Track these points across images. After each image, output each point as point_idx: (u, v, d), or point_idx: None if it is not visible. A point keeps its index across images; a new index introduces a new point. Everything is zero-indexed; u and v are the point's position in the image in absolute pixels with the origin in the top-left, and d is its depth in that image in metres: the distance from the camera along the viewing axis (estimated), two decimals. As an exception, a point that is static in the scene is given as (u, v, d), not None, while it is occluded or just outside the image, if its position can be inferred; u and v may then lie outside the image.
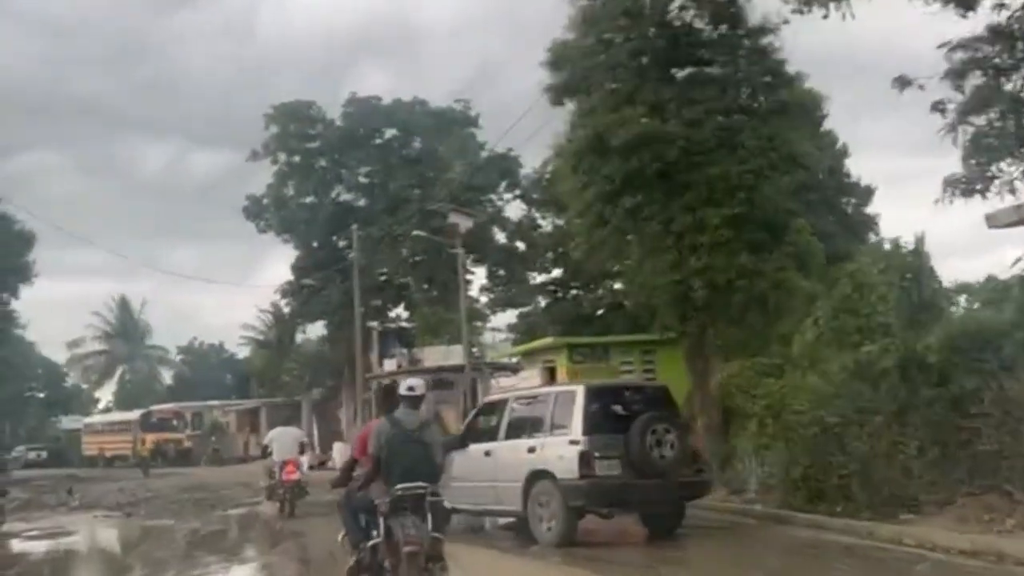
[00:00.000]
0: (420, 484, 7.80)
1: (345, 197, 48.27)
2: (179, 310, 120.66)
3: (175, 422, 55.30)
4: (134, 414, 55.81)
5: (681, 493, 12.72)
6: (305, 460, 19.84)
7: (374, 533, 7.99)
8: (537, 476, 12.51)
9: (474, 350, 39.82)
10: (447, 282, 45.30)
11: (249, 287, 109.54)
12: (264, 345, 65.44)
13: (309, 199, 48.02)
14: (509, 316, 47.69)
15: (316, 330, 51.02)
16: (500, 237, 48.05)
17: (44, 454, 65.21)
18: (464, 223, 29.86)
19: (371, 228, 44.52)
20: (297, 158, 48.04)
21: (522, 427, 13.47)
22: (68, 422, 70.50)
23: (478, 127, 47.73)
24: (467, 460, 13.75)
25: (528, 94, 25.80)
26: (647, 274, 17.63)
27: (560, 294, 47.85)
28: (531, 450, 12.85)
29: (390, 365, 38.78)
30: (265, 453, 20.04)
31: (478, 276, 48.71)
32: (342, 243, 47.10)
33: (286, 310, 49.67)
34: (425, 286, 45.44)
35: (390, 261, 45.21)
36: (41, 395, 55.19)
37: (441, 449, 8.55)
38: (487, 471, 13.49)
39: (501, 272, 49.83)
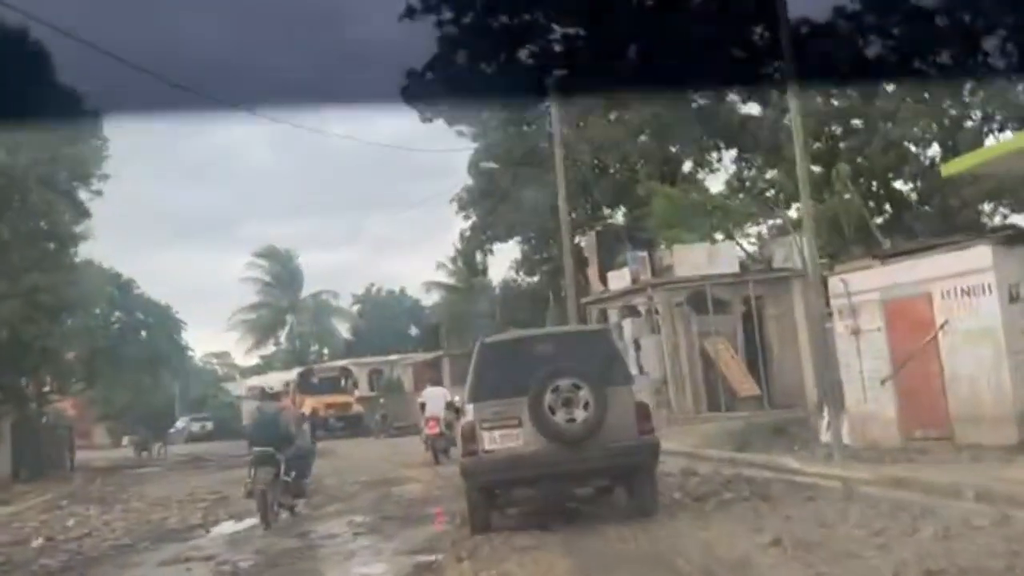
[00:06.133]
0: (267, 448, 12.66)
1: (536, 60, 34.77)
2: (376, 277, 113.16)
3: (343, 382, 44.04)
4: (291, 374, 45.14)
5: (607, 463, 10.01)
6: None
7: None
8: None
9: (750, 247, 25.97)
10: (692, 160, 31.70)
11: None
12: (452, 289, 54.30)
13: (488, 67, 34.97)
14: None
15: (508, 252, 38.39)
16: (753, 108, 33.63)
17: (209, 425, 56.82)
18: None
19: (574, 97, 31.09)
20: (469, 16, 35.07)
21: None
22: (237, 388, 61.67)
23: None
24: None
25: None
26: None
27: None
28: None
29: (619, 280, 25.28)
30: (423, 410, 21.53)
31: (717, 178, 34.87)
32: (533, 127, 34.15)
33: (467, 225, 36.96)
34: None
35: (604, 141, 31.58)
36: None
37: (293, 424, 13.70)
38: None
39: (755, 161, 35.78)
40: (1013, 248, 13.41)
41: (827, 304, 17.50)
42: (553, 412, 9.75)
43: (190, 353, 49.43)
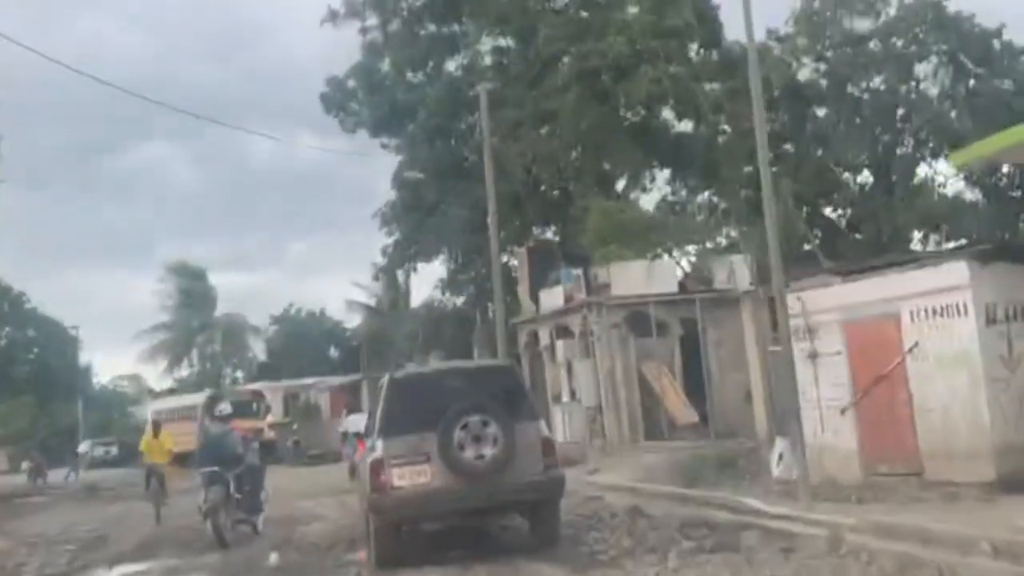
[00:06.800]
0: (215, 468, 12.95)
1: (464, 70, 33.28)
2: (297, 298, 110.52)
3: (255, 406, 41.56)
4: (200, 397, 42.57)
5: (514, 497, 10.09)
6: None
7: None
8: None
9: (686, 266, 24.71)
10: (626, 175, 30.59)
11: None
12: (374, 310, 52.35)
13: (414, 76, 33.43)
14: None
15: (433, 271, 36.72)
16: (684, 125, 32.56)
17: (114, 450, 53.73)
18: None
19: (504, 110, 29.56)
20: (395, 24, 33.48)
21: None
22: (145, 412, 58.53)
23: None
24: None
25: None
26: None
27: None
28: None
29: (551, 299, 23.76)
30: (345, 438, 22.23)
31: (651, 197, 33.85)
32: (460, 140, 32.65)
33: (389, 240, 35.08)
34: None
35: (535, 154, 30.14)
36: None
37: (240, 445, 13.61)
38: None
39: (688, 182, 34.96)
40: (989, 265, 12.21)
41: (775, 327, 16.29)
42: (462, 449, 9.76)
43: (94, 374, 46.72)
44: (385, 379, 10.90)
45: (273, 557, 11.34)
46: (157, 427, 19.62)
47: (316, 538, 12.55)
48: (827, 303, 14.12)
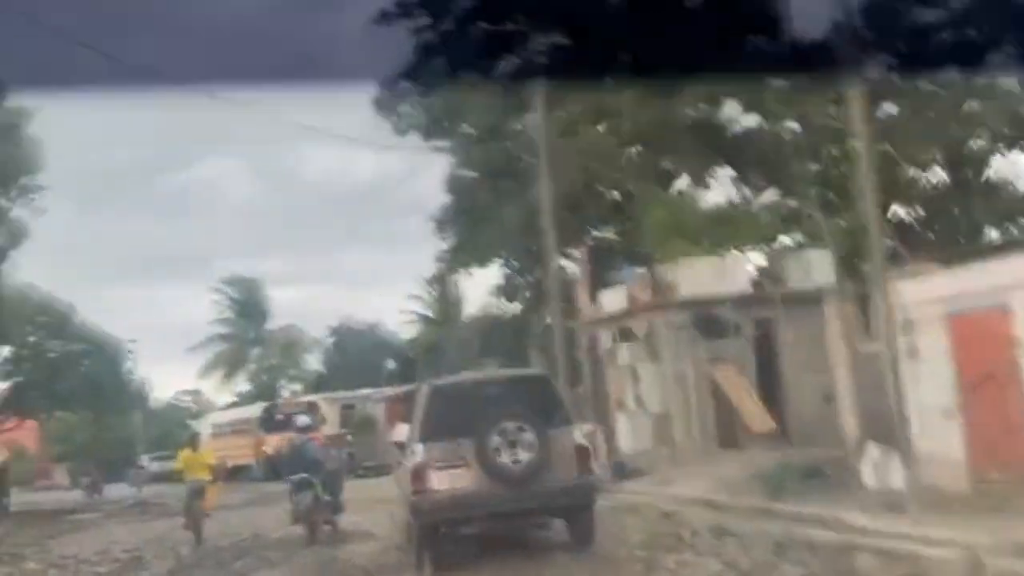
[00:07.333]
0: (303, 475, 13.82)
1: (519, 68, 32.21)
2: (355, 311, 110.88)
3: (310, 419, 40.96)
4: (255, 409, 42.13)
5: (549, 502, 10.48)
6: None
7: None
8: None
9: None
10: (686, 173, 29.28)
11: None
12: (429, 320, 51.78)
13: (467, 76, 32.40)
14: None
15: (489, 278, 35.72)
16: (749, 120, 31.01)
17: (171, 464, 53.52)
18: None
19: (560, 108, 28.43)
20: (448, 23, 32.51)
21: None
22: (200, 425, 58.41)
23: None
24: None
25: None
26: None
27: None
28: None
29: (613, 300, 22.52)
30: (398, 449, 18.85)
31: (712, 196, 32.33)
32: (514, 141, 31.57)
33: (444, 247, 34.06)
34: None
35: (592, 153, 28.94)
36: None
37: (321, 453, 14.95)
38: None
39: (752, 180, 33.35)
40: (1119, 245, 10.77)
41: (866, 325, 15.00)
42: (499, 453, 10.06)
43: (151, 388, 46.36)
44: (424, 387, 11.26)
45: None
46: (195, 441, 18.70)
47: (364, 559, 11.47)
48: (927, 295, 12.72)
